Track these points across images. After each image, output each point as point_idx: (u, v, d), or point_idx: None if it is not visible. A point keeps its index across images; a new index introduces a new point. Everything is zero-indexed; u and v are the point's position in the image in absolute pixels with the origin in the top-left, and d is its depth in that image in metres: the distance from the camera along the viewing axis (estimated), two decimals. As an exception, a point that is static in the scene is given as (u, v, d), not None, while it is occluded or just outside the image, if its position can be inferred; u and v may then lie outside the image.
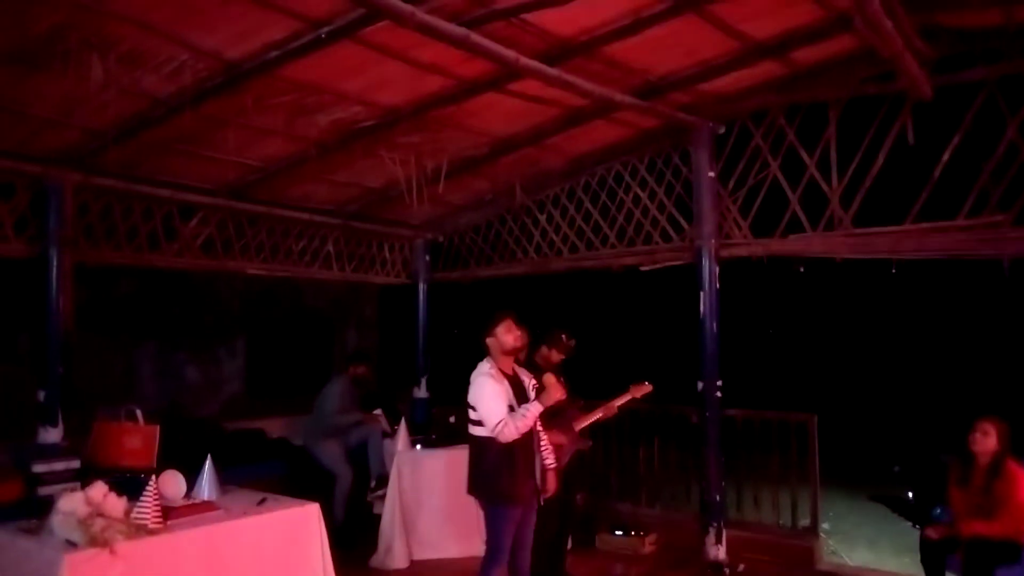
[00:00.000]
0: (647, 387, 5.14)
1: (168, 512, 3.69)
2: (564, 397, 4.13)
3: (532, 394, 4.16)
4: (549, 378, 4.08)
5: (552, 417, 4.59)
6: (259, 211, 6.42)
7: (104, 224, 5.51)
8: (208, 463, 4.19)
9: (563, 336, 4.95)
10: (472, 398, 4.07)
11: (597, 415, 5.08)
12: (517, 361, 4.31)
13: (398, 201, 6.65)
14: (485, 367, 4.13)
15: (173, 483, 3.98)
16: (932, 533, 4.51)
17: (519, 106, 5.34)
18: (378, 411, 6.84)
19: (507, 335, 4.11)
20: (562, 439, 4.79)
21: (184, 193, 5.84)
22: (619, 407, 5.15)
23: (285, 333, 9.31)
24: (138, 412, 4.54)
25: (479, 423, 4.04)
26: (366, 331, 10.66)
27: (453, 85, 4.95)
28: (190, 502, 3.96)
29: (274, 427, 7.50)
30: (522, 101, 5.25)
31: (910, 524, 7.26)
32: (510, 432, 3.90)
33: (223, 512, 3.94)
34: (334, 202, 6.81)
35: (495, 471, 4.01)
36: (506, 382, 4.04)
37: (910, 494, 8.11)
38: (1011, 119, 4.80)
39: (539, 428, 4.28)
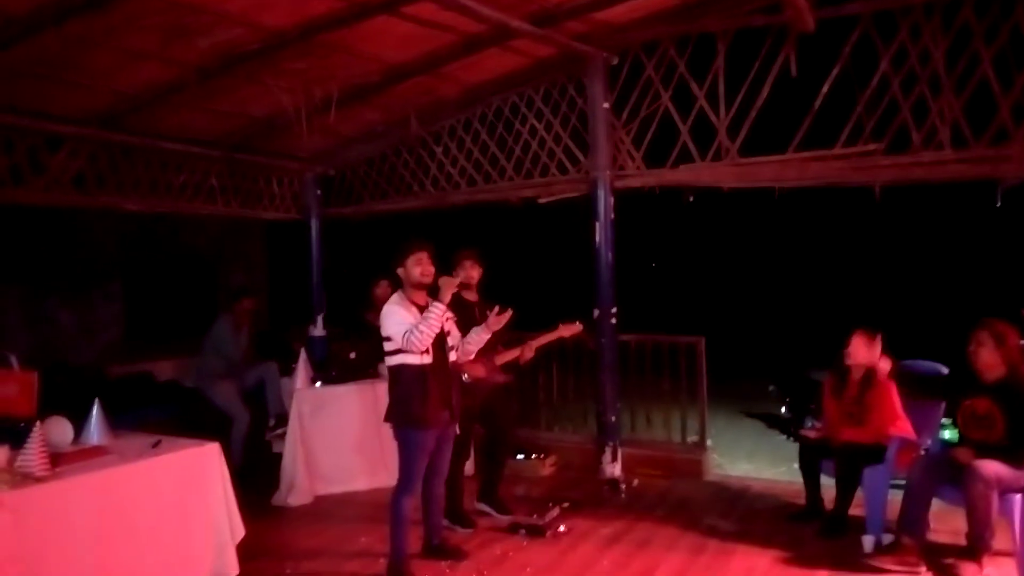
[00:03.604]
0: (577, 327, 5.12)
1: (56, 459, 3.51)
2: (454, 290, 4.12)
3: (447, 325, 4.17)
4: (444, 279, 4.05)
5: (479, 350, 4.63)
6: (134, 143, 6.00)
7: (-41, 157, 5.02)
8: (96, 407, 3.99)
9: (464, 253, 4.94)
10: (382, 328, 4.06)
11: (514, 353, 5.08)
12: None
13: (286, 132, 6.37)
14: (395, 298, 4.12)
15: (59, 429, 3.78)
16: (809, 434, 4.91)
17: (413, 31, 5.17)
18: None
19: (415, 267, 4.07)
20: (481, 372, 4.84)
21: (50, 123, 5.37)
22: (543, 345, 5.14)
23: (165, 274, 8.88)
24: (12, 358, 4.25)
25: (394, 352, 4.03)
26: (254, 270, 10.31)
27: (343, 7, 4.71)
28: (79, 448, 3.78)
29: (162, 370, 7.22)
30: (416, 26, 5.08)
31: (784, 437, 7.85)
32: (418, 338, 3.89)
33: (116, 456, 3.78)
34: (216, 133, 6.44)
35: (408, 396, 4.03)
36: (416, 311, 4.02)
37: (784, 409, 8.75)
38: (884, 52, 5.07)
39: (457, 358, 4.31)
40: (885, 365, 4.56)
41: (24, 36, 4.27)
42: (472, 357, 4.54)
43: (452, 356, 4.24)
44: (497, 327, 4.36)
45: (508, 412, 5.36)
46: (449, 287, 4.01)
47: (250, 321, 6.59)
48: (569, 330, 5.10)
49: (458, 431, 4.45)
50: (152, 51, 4.82)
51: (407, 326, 3.94)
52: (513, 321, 4.46)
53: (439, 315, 3.95)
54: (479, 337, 4.39)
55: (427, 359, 4.02)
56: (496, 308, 4.35)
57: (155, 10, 4.33)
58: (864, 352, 4.69)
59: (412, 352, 3.96)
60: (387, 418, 4.15)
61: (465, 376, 4.80)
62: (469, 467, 5.26)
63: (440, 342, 4.10)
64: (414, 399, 4.01)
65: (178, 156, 6.43)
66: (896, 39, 5.03)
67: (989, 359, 4.09)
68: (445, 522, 4.72)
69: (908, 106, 5.03)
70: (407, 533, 4.14)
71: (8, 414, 3.92)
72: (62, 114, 5.41)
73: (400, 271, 4.12)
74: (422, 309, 4.03)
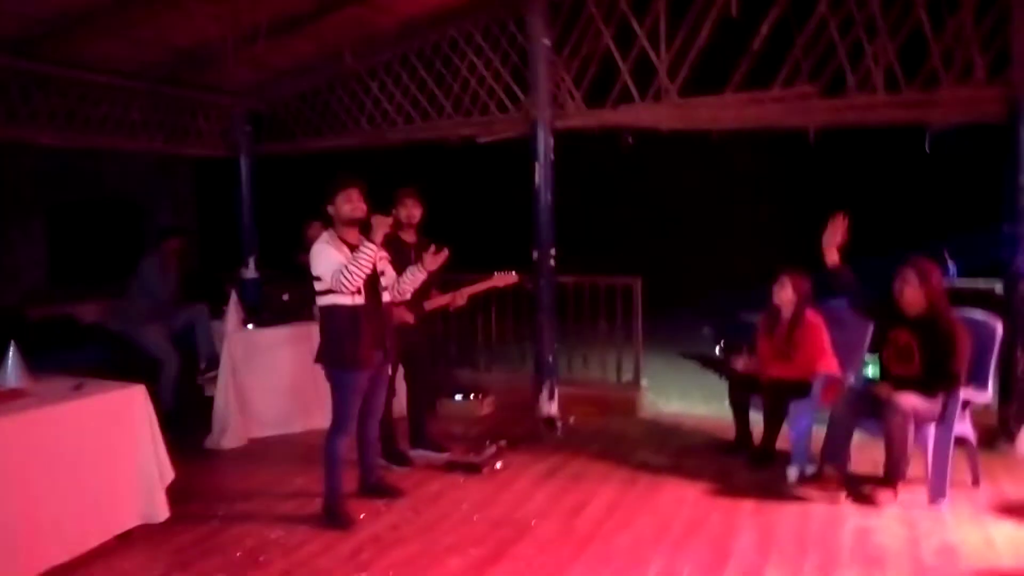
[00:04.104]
0: (512, 277, 5.06)
1: (-31, 401, 3.36)
2: (389, 230, 4.04)
3: (381, 264, 4.09)
4: (376, 217, 3.92)
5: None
6: (48, 72, 5.64)
7: None
8: (12, 349, 3.83)
9: (404, 192, 4.83)
10: (312, 267, 3.94)
11: (446, 299, 5.02)
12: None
13: (212, 64, 6.09)
14: (325, 236, 3.99)
15: (-28, 372, 3.61)
16: (738, 365, 5.05)
17: (346, -44, 4.96)
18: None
19: (344, 204, 3.93)
20: (410, 319, 4.77)
21: (-50, 47, 5.01)
22: (476, 293, 5.08)
23: (90, 214, 8.51)
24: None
25: (324, 292, 3.94)
26: (183, 210, 9.97)
27: (271, -71, 4.48)
28: (-5, 390, 3.62)
29: (87, 313, 6.95)
30: (350, -49, 4.86)
31: (718, 376, 8.05)
32: (348, 279, 3.79)
33: (34, 399, 3.65)
34: (139, 64, 6.09)
35: (339, 337, 3.96)
36: (347, 250, 3.91)
37: (717, 349, 8.96)
38: (822, -6, 5.08)
39: (392, 298, 4.25)
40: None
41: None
42: (408, 297, 4.47)
43: (386, 297, 4.17)
44: (433, 267, 4.29)
45: (426, 354, 5.31)
46: (381, 226, 3.89)
47: (178, 262, 6.36)
48: (504, 280, 5.04)
49: (389, 369, 4.39)
50: (63, -30, 4.51)
51: (337, 265, 3.83)
52: (449, 262, 4.40)
53: (370, 255, 3.83)
54: (415, 277, 4.32)
55: (359, 300, 3.93)
56: (432, 247, 4.28)
57: (64, -76, 4.03)
58: (789, 292, 4.81)
59: (343, 292, 3.87)
60: (318, 359, 4.07)
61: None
62: (400, 407, 5.23)
63: (373, 282, 4.01)
64: (346, 340, 3.94)
65: (98, 88, 6.08)
66: (834, -20, 5.03)
67: (912, 296, 4.23)
68: (381, 461, 4.72)
69: (844, 49, 5.07)
70: (341, 473, 4.11)
71: (-84, 356, 3.74)
72: (-35, 39, 5.04)
73: (330, 209, 3.98)
74: (353, 248, 3.90)
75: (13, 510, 3.35)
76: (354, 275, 3.80)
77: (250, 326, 5.83)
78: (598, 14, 5.72)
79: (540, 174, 5.91)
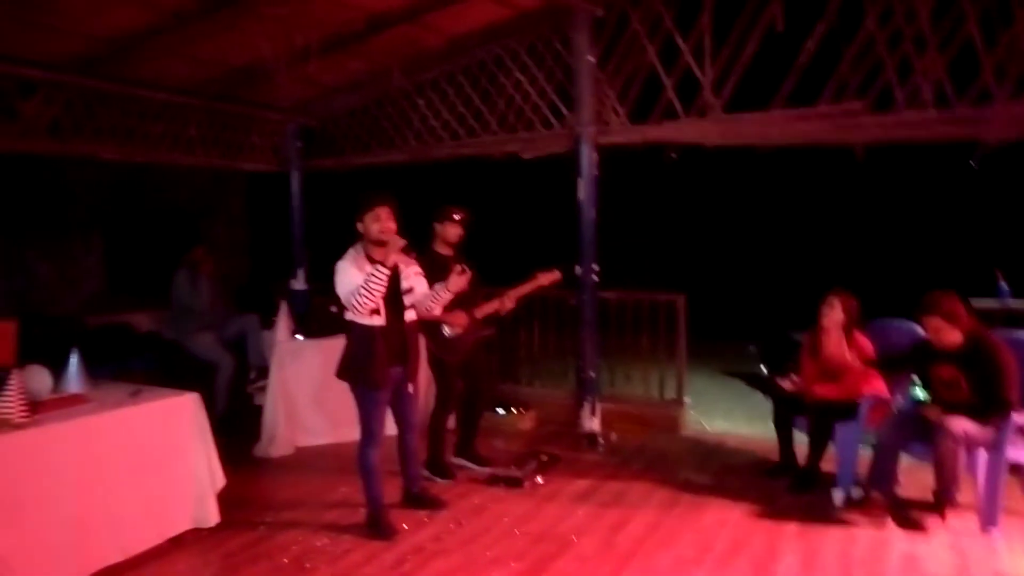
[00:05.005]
0: (556, 274, 5.06)
1: (35, 407, 3.52)
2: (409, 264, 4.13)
3: (407, 283, 4.14)
4: (391, 239, 3.91)
5: (456, 304, 4.63)
6: (111, 89, 5.88)
7: (-71, 102, 4.91)
8: (75, 356, 3.99)
9: (450, 210, 4.92)
10: (335, 285, 4.03)
11: (495, 305, 5.07)
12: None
13: (266, 81, 6.25)
14: (350, 253, 4.05)
15: (38, 377, 3.79)
16: (785, 384, 4.97)
17: (397, -22, 5.08)
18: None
19: (373, 224, 3.99)
20: (463, 326, 4.85)
21: (23, 67, 5.24)
22: (523, 295, 5.11)
23: (147, 226, 8.78)
24: (-11, 307, 4.22)
25: (345, 308, 4.03)
26: (235, 224, 10.21)
27: (324, -48, 4.62)
28: (58, 396, 3.78)
29: (142, 322, 7.17)
30: (400, -29, 4.98)
31: (762, 395, 7.95)
32: (359, 301, 3.86)
33: (95, 404, 3.80)
34: (196, 81, 6.32)
35: (356, 355, 4.05)
36: (367, 266, 3.94)
37: (763, 368, 8.84)
38: (870, 9, 5.02)
39: (418, 315, 4.28)
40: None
41: (-6, -24, 4.15)
42: (438, 313, 4.50)
43: (412, 314, 4.19)
44: (456, 288, 4.24)
45: (486, 367, 5.38)
46: (394, 248, 3.92)
47: (209, 270, 6.54)
48: (548, 278, 5.04)
49: (412, 387, 4.32)
50: (128, -7, 4.70)
51: (353, 286, 3.90)
52: (492, 276, 4.43)
53: (381, 279, 3.86)
54: (442, 296, 4.26)
55: (378, 320, 3.99)
56: (457, 267, 4.26)
57: (130, -49, 4.22)
58: (839, 313, 4.74)
59: (358, 313, 3.94)
60: (338, 374, 4.13)
61: (447, 331, 4.83)
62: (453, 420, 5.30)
63: (395, 299, 4.06)
64: (362, 359, 4.01)
65: (156, 105, 6.31)
66: (883, -4, 4.99)
67: (949, 337, 4.16)
68: (425, 473, 4.78)
69: (893, 64, 5.01)
70: (379, 483, 4.19)
71: (-15, 362, 3.91)
72: (37, 59, 5.28)
73: (359, 226, 4.05)
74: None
75: (73, 510, 3.49)
76: (365, 298, 3.86)
77: (299, 336, 5.97)
78: (642, 30, 5.75)
79: (584, 190, 5.95)
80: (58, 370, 3.96)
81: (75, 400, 3.80)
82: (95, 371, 4.22)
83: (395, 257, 3.95)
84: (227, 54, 5.91)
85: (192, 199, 9.41)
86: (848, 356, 4.62)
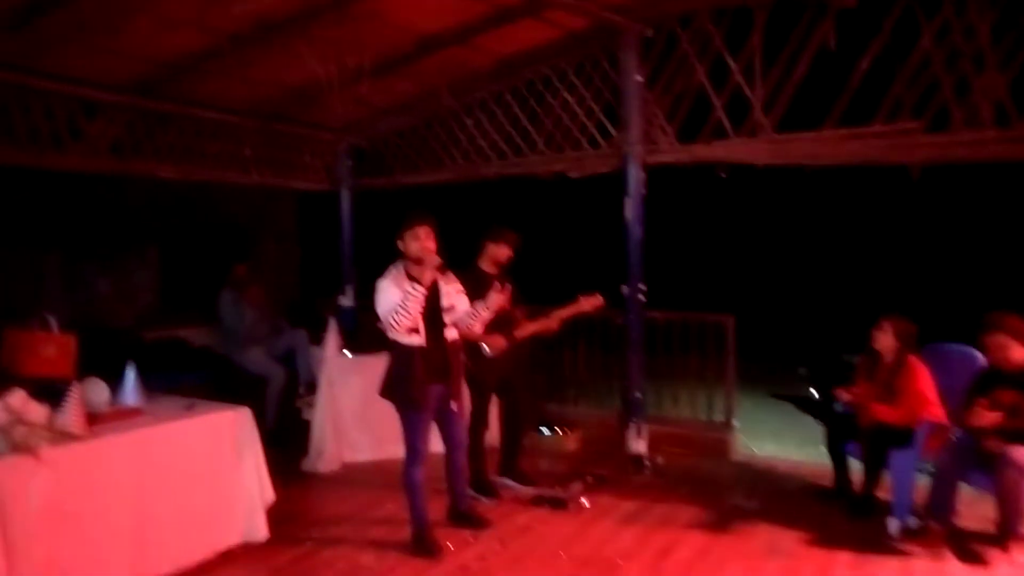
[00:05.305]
0: (598, 299, 5.06)
1: (93, 419, 3.62)
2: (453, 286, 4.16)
3: (448, 301, 4.15)
4: (428, 257, 3.95)
5: (497, 323, 4.64)
6: (170, 110, 6.06)
7: (1, 123, 5.11)
8: (131, 370, 4.09)
9: (504, 231, 4.93)
10: (375, 303, 4.08)
11: (538, 325, 5.08)
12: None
13: (319, 102, 6.39)
14: (391, 271, 4.10)
15: (96, 390, 3.89)
16: (844, 395, 4.77)
17: (446, 0, 5.14)
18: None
19: (412, 243, 4.03)
20: (502, 344, 4.86)
21: (88, 89, 5.45)
22: (564, 319, 5.11)
23: (201, 242, 9.00)
24: (52, 320, 4.36)
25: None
26: (286, 240, 10.41)
27: (377, -24, 4.72)
28: (115, 408, 3.88)
29: (195, 336, 7.34)
30: (450, -7, 5.05)
31: (813, 419, 7.78)
32: (398, 321, 3.91)
33: (150, 417, 3.89)
34: (251, 102, 6.48)
35: (395, 374, 4.09)
36: (406, 284, 3.99)
37: (814, 391, 8.66)
38: (926, 27, 4.93)
39: (460, 333, 4.29)
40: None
41: (64, 2, 4.32)
42: (478, 331, 4.51)
43: (453, 332, 4.22)
44: (496, 306, 4.26)
45: (526, 386, 5.36)
46: (430, 268, 3.96)
47: (253, 286, 6.69)
48: (590, 303, 5.05)
49: (456, 405, 4.31)
50: (188, 18, 4.85)
51: (392, 305, 3.94)
52: (520, 298, 4.42)
53: (417, 299, 3.92)
54: (481, 314, 4.27)
55: (417, 339, 4.02)
56: (496, 285, 4.27)
57: (191, -23, 4.35)
58: (891, 339, 4.62)
59: (396, 331, 3.97)
60: (381, 393, 4.17)
61: (486, 350, 4.83)
62: (493, 438, 5.29)
63: (434, 317, 4.09)
64: (402, 379, 4.06)
65: (213, 124, 6.49)
66: (940, 14, 4.88)
67: (1016, 355, 4.02)
68: (470, 491, 4.78)
69: (950, 83, 4.90)
70: (424, 502, 4.20)
71: (48, 375, 4.04)
72: (100, 81, 5.48)
73: (400, 244, 4.09)
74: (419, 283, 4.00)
75: (128, 521, 3.57)
76: (402, 317, 3.90)
77: (347, 353, 6.04)
78: (691, 50, 5.73)
79: (631, 209, 5.92)
80: (115, 383, 4.07)
81: (131, 413, 3.90)
82: (150, 384, 4.32)
83: (432, 275, 3.98)
84: (281, 75, 6.06)
85: (244, 216, 9.62)
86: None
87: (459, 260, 4.88)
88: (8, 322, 4.48)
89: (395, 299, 3.95)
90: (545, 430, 6.31)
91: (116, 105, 5.72)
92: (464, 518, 4.49)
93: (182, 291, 8.72)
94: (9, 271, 7.15)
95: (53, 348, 4.23)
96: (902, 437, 4.45)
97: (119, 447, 3.58)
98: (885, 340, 4.67)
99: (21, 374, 3.95)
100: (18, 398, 3.37)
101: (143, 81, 5.63)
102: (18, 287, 7.25)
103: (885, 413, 4.56)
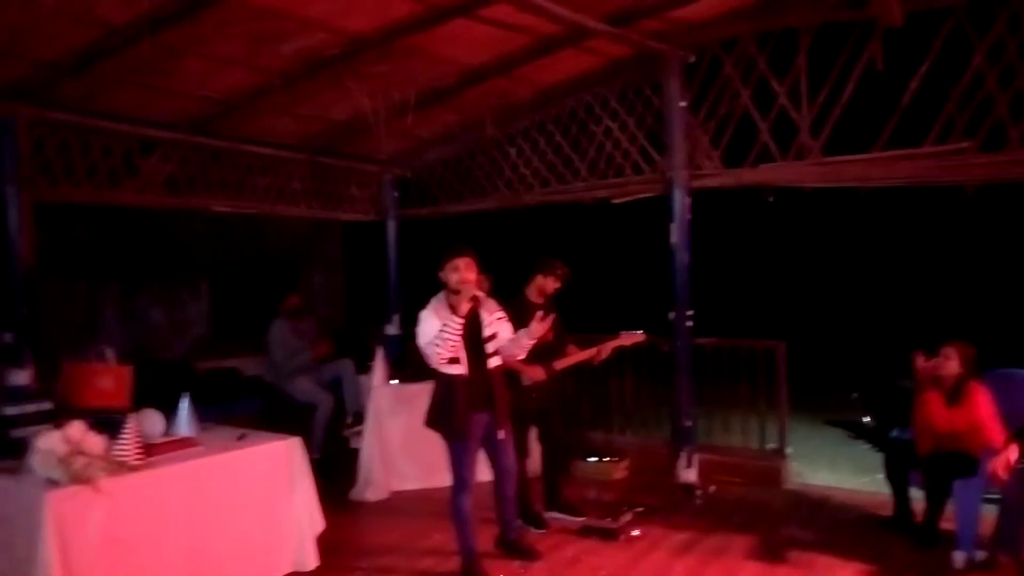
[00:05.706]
0: (639, 336, 5.04)
1: (149, 449, 3.68)
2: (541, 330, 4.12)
3: (490, 330, 4.15)
4: (465, 287, 3.97)
5: (540, 351, 4.62)
6: (222, 146, 6.24)
7: (62, 161, 5.31)
8: (185, 400, 4.16)
9: (556, 264, 4.94)
10: (416, 335, 4.12)
11: (580, 357, 5.05)
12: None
13: (365, 135, 6.52)
14: (432, 302, 4.13)
15: (151, 421, 3.97)
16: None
17: (489, 33, 5.22)
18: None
19: (452, 274, 4.06)
20: (541, 375, 4.83)
21: (144, 128, 5.64)
22: (604, 353, 5.07)
23: (249, 274, 9.19)
24: (108, 352, 4.48)
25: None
26: (332, 270, 10.57)
27: (421, 11, 4.80)
28: (170, 439, 3.95)
29: (246, 366, 7.47)
30: (492, 28, 5.12)
31: (868, 447, 7.56)
32: (433, 353, 3.96)
33: (203, 448, 3.95)
34: (299, 137, 6.64)
35: (438, 404, 4.10)
36: (445, 315, 4.00)
37: (868, 418, 8.42)
38: (979, 46, 4.83)
39: (503, 362, 4.27)
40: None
41: (123, 45, 4.49)
42: (522, 358, 4.49)
43: (496, 360, 4.20)
44: (537, 334, 4.21)
45: (564, 415, 5.30)
46: (466, 299, 3.98)
47: (305, 316, 6.87)
48: (631, 339, 5.03)
49: (503, 433, 4.27)
50: (239, 58, 5.01)
51: (431, 337, 3.98)
52: (563, 327, 4.38)
53: (455, 330, 3.94)
54: (523, 342, 4.22)
55: (458, 369, 4.03)
56: (539, 314, 4.23)
57: (242, 18, 4.49)
58: (956, 366, 4.46)
59: (436, 362, 4.00)
60: (426, 423, 4.18)
61: (525, 379, 4.79)
62: (535, 467, 5.24)
63: (476, 348, 4.09)
64: (445, 409, 4.06)
65: (263, 159, 6.65)
66: (993, 31, 4.79)
67: None
68: (518, 522, 4.73)
69: (1005, 102, 4.78)
70: (472, 532, 4.17)
71: (105, 406, 4.14)
72: (156, 119, 5.67)
73: (441, 276, 4.12)
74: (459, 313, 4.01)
75: (181, 550, 3.61)
76: (439, 352, 3.93)
77: (395, 381, 6.07)
78: (735, 74, 5.70)
79: (677, 234, 5.88)
80: (169, 413, 4.14)
81: (185, 443, 3.96)
82: (203, 414, 4.39)
83: (468, 306, 4.00)
84: (328, 110, 6.20)
85: (292, 247, 9.80)
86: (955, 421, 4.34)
87: (504, 287, 4.90)
88: (66, 354, 4.62)
89: (434, 330, 3.99)
90: (592, 459, 6.23)
91: (170, 142, 5.91)
92: (514, 548, 4.45)
93: (232, 321, 8.90)
94: (67, 304, 7.37)
95: (110, 380, 4.35)
96: (966, 465, 4.29)
97: (174, 477, 3.64)
98: (948, 367, 4.51)
99: (79, 406, 4.07)
100: (77, 430, 3.44)
101: (196, 119, 5.82)
102: (76, 320, 7.47)
103: (946, 444, 4.38)
